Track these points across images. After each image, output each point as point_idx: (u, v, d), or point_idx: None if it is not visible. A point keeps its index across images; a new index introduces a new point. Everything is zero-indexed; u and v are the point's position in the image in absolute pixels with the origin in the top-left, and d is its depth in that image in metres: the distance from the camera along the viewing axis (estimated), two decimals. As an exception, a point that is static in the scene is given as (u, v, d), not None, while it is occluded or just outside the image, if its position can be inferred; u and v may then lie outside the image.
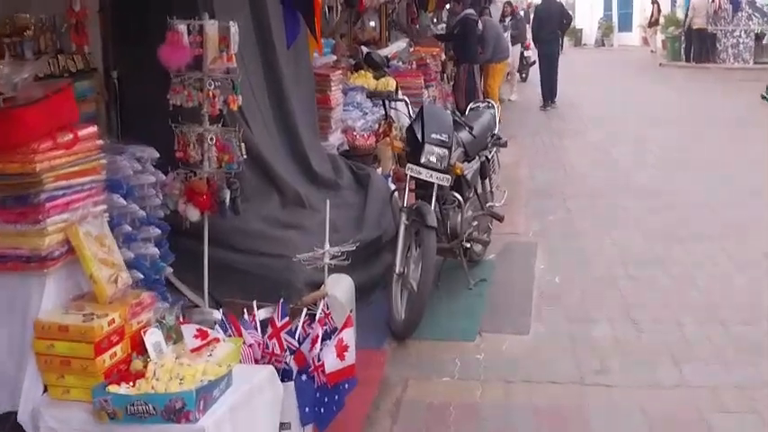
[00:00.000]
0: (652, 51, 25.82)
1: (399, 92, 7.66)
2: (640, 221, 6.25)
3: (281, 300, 3.28)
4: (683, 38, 20.59)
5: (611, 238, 5.84)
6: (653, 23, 24.96)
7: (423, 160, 4.25)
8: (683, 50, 20.64)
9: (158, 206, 3.50)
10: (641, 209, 6.61)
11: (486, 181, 5.23)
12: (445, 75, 11.54)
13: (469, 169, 4.74)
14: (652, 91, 15.34)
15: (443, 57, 11.46)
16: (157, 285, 3.44)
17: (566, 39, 35.99)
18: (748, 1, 18.78)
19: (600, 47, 32.54)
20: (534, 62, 17.77)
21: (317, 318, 3.21)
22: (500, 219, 5.10)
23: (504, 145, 5.46)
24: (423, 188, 4.42)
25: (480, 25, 11.50)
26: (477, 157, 4.98)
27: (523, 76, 16.51)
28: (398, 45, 9.67)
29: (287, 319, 3.13)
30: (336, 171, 5.55)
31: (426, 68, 10.00)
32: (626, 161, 8.70)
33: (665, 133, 10.24)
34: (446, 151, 4.28)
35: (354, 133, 6.29)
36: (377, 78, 8.68)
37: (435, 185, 4.29)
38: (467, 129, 4.69)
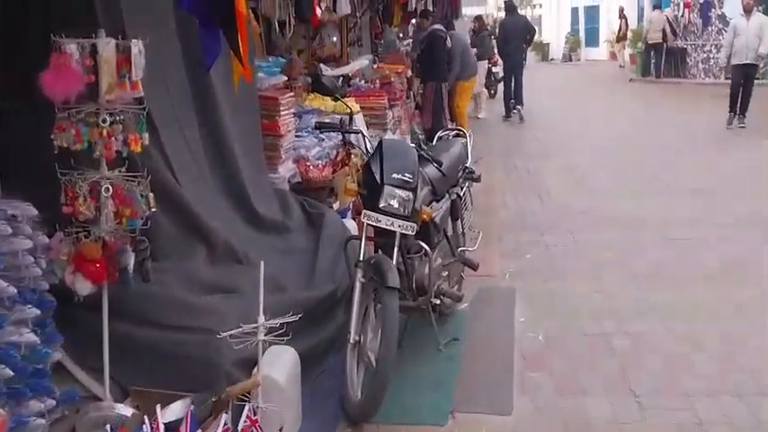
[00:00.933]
0: (621, 66, 25.61)
1: (359, 116, 6.95)
2: (628, 260, 5.59)
3: (199, 393, 2.54)
4: (652, 53, 20.27)
5: (598, 282, 5.16)
6: (621, 38, 24.72)
7: (382, 204, 3.53)
8: (652, 65, 20.33)
9: (40, 276, 2.73)
10: (628, 244, 5.97)
11: (458, 222, 4.52)
12: (411, 92, 10.89)
13: (438, 211, 4.04)
14: (625, 108, 14.88)
15: (409, 73, 10.82)
16: (38, 379, 2.67)
17: (533, 53, 35.97)
18: (718, 15, 18.49)
19: (567, 61, 32.36)
20: (503, 78, 17.27)
21: (239, 427, 2.46)
22: (474, 267, 4.40)
23: (478, 179, 4.78)
24: (383, 236, 3.69)
25: (448, 41, 10.89)
26: (446, 195, 4.28)
27: (492, 92, 15.96)
28: (360, 62, 8.98)
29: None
30: (285, 210, 4.82)
31: (391, 87, 9.32)
32: (605, 186, 8.09)
33: (643, 154, 9.68)
34: (410, 194, 3.57)
35: (308, 164, 5.55)
36: (335, 99, 8.00)
37: (398, 234, 3.57)
38: (434, 164, 3.98)
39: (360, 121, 6.96)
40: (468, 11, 21.16)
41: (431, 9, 11.60)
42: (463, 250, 4.49)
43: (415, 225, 3.58)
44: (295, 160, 5.62)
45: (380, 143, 3.78)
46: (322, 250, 4.40)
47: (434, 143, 4.86)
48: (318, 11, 7.26)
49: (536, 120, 13.55)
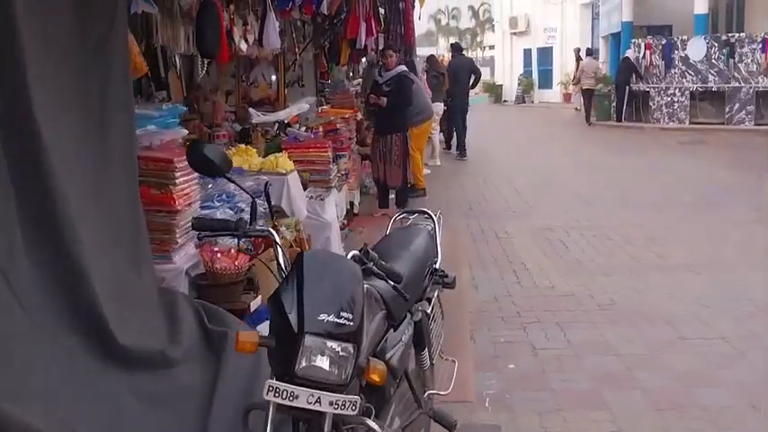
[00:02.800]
0: (576, 109, 24.88)
1: (293, 176, 5.52)
2: (641, 375, 4.24)
3: None
4: (612, 96, 19.48)
5: (611, 412, 3.78)
6: (578, 80, 23.99)
7: (301, 368, 2.05)
8: (612, 109, 19.50)
9: None
10: (635, 348, 4.63)
11: (425, 352, 3.06)
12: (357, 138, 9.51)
13: (395, 350, 2.60)
14: (591, 157, 13.76)
15: (359, 116, 9.45)
16: None
17: (486, 95, 35.32)
18: (681, 57, 17.79)
19: (520, 103, 31.75)
20: (448, 118, 16.15)
21: None
22: (451, 427, 2.95)
23: (452, 285, 3.37)
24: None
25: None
26: (408, 317, 2.85)
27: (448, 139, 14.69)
28: (300, 106, 7.57)
29: None
30: (171, 327, 3.27)
31: (336, 135, 7.95)
32: (589, 257, 6.79)
33: (625, 214, 8.46)
34: (349, 346, 2.10)
35: (216, 249, 4.06)
36: (265, 153, 6.57)
37: (329, 414, 2.10)
38: (389, 277, 2.53)
39: (294, 182, 5.52)
40: (419, 51, 20.18)
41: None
42: (432, 395, 3.04)
43: (357, 399, 2.10)
44: (199, 245, 4.14)
45: (300, 260, 2.30)
46: (219, 400, 2.90)
47: (389, 232, 3.43)
48: (244, 45, 5.85)
49: (497, 170, 12.34)
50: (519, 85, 32.79)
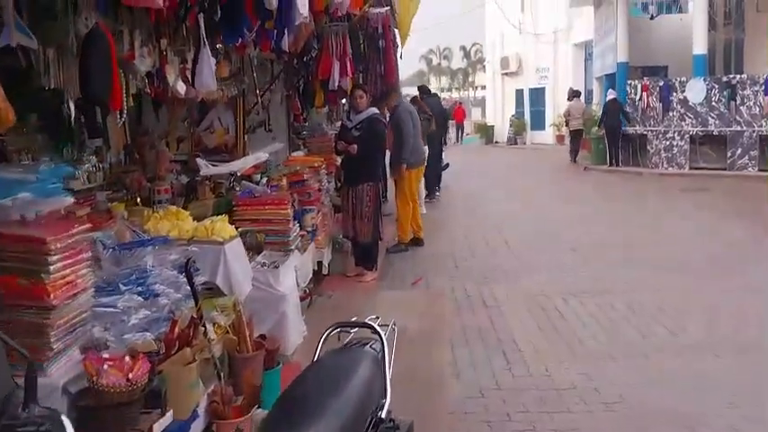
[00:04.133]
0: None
1: (234, 244, 4.56)
2: None
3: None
4: (605, 139, 18.69)
5: None
6: (566, 122, 23.26)
7: None
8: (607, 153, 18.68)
9: None
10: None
11: None
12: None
13: None
14: (590, 206, 12.80)
15: (339, 161, 8.48)
16: None
17: (477, 136, 34.72)
18: (680, 99, 17.02)
19: (512, 144, 31.04)
20: (447, 165, 15.31)
21: None
22: None
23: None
24: None
25: (399, 116, 8.74)
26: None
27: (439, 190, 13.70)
28: (257, 155, 6.63)
29: None
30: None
31: (303, 186, 7.03)
32: (594, 336, 5.78)
33: (629, 276, 7.49)
34: None
35: (105, 356, 3.06)
36: (214, 211, 5.63)
37: None
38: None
39: (234, 253, 4.55)
40: (407, 91, 19.47)
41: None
42: None
43: None
44: (85, 349, 3.15)
45: None
46: None
47: (316, 358, 2.45)
48: (181, 86, 4.94)
49: (487, 219, 11.40)
50: (511, 126, 32.11)
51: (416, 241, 9.25)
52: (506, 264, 8.28)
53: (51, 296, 2.96)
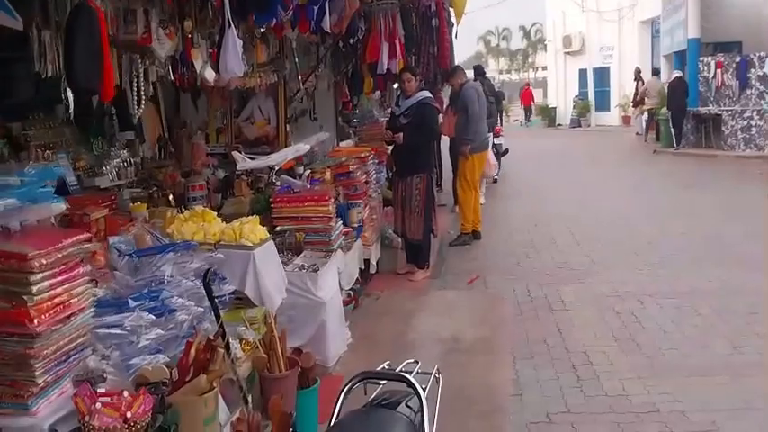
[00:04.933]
0: (638, 134, 22.98)
1: (265, 249, 4.06)
2: None
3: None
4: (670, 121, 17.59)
5: None
6: (638, 102, 22.12)
7: None
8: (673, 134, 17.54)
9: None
10: None
11: None
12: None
13: None
14: (662, 192, 11.89)
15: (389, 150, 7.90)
16: None
17: (539, 119, 33.73)
18: (759, 76, 15.78)
19: (576, 127, 29.83)
20: (507, 151, 14.59)
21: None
22: None
23: None
24: None
25: (465, 95, 8.14)
26: None
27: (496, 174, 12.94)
28: (297, 147, 6.12)
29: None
30: None
31: (349, 179, 6.52)
32: (677, 346, 5.06)
33: (713, 275, 6.68)
34: None
35: (100, 391, 2.59)
36: (251, 209, 5.17)
37: None
38: None
39: (264, 258, 4.05)
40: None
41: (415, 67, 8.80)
42: None
43: None
44: (78, 380, 2.69)
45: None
46: None
47: (337, 419, 1.90)
48: (210, 73, 4.46)
49: (551, 210, 10.64)
50: (574, 107, 30.89)
51: (474, 234, 8.64)
52: (574, 260, 7.57)
53: (35, 321, 2.51)
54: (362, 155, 7.00)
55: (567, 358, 4.92)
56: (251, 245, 3.93)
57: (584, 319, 5.71)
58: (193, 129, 6.66)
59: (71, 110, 3.65)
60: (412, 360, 2.19)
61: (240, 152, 6.15)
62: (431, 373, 2.08)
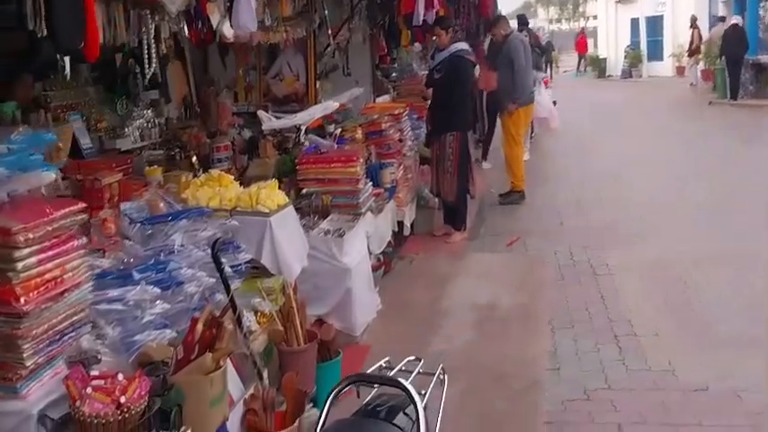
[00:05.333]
0: (692, 84, 22.00)
1: (284, 214, 3.85)
2: None
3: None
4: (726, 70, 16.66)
5: None
6: (693, 51, 21.09)
7: None
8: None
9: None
10: None
11: None
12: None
13: None
14: (719, 148, 11.17)
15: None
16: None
17: (589, 69, 32.61)
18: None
19: (627, 78, 28.74)
20: (554, 104, 14.02)
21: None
22: None
23: None
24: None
25: (510, 47, 7.74)
26: None
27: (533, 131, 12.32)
28: (326, 105, 5.84)
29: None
30: None
31: (382, 137, 6.24)
32: (732, 317, 4.69)
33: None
34: None
35: (93, 374, 2.42)
36: (276, 171, 4.95)
37: None
38: None
39: (283, 225, 3.83)
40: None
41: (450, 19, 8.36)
42: None
43: None
44: (72, 361, 2.52)
45: None
46: None
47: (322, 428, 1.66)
48: (228, 28, 4.18)
49: (598, 166, 10.17)
50: (625, 57, 29.70)
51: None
52: (622, 222, 7.16)
53: (22, 300, 2.35)
54: (396, 111, 6.69)
55: (610, 328, 4.62)
56: (267, 211, 3.71)
57: (629, 285, 5.37)
58: (221, 87, 6.43)
59: (67, 71, 3.41)
60: (413, 358, 1.93)
61: (268, 111, 5.91)
62: (434, 374, 1.82)
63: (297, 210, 5.01)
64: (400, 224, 6.25)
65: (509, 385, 3.89)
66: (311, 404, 3.63)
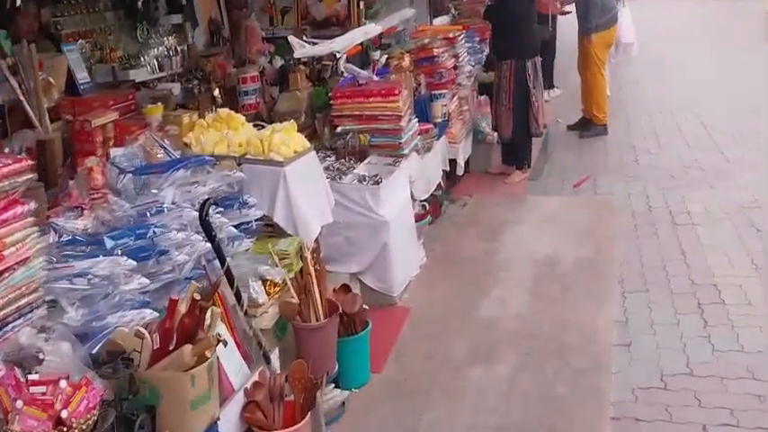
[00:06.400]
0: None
1: (306, 159, 3.26)
2: None
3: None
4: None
5: None
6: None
7: None
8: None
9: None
10: None
11: None
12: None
13: None
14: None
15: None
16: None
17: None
18: None
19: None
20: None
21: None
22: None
23: None
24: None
25: None
26: None
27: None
28: (366, 29, 5.13)
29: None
30: None
31: (433, 65, 5.54)
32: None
33: None
34: None
35: (32, 380, 1.92)
36: (309, 107, 4.35)
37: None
38: None
39: (298, 176, 3.25)
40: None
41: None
42: None
43: None
44: (10, 359, 2.02)
45: None
46: None
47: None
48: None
49: (678, 96, 9.12)
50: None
51: (585, 125, 7.48)
52: (705, 159, 6.29)
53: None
54: (451, 34, 5.92)
55: (692, 293, 3.92)
56: (282, 159, 3.12)
57: (715, 238, 4.61)
58: (254, 8, 5.78)
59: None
60: None
61: (305, 36, 5.26)
62: None
63: (332, 150, 4.45)
64: (452, 162, 5.59)
65: (569, 363, 3.29)
66: (332, 384, 3.14)
